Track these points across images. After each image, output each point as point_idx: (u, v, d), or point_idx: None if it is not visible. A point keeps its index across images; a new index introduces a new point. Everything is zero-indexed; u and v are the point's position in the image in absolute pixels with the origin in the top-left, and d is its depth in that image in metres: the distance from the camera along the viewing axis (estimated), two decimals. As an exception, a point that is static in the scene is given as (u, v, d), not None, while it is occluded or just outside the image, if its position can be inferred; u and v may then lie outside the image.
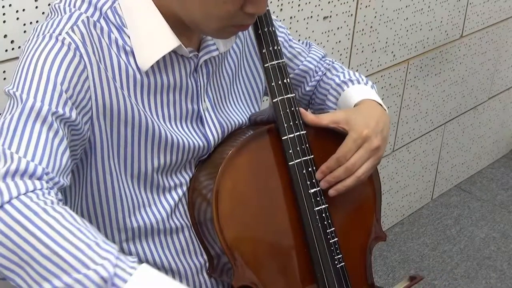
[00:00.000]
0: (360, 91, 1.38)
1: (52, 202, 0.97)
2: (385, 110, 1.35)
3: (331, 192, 1.25)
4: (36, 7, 1.45)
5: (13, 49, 1.44)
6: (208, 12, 1.11)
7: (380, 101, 1.37)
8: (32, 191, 0.96)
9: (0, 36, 1.42)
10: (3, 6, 1.40)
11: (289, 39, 1.45)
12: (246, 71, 1.35)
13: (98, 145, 1.15)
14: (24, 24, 1.44)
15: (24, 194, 0.96)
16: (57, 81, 1.06)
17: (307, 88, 1.48)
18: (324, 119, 1.28)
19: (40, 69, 1.06)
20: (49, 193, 0.98)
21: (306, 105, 1.51)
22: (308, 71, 1.46)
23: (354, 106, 1.35)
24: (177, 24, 1.15)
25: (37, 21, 1.45)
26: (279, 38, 1.39)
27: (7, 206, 0.94)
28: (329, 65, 1.48)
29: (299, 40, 1.51)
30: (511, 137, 3.52)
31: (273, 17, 1.40)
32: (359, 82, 1.40)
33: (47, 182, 1.00)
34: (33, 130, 1.02)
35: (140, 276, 0.95)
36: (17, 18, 1.43)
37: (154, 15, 1.14)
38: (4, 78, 1.45)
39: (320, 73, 1.47)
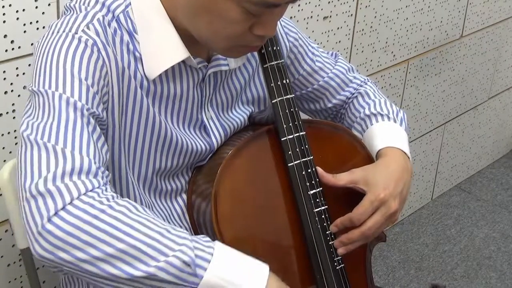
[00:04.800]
0: (386, 133, 1.35)
1: (113, 197, 0.99)
2: (409, 158, 1.33)
3: (341, 251, 1.25)
4: (36, 7, 1.45)
5: (13, 49, 1.44)
6: (216, 32, 1.09)
7: (406, 148, 1.33)
8: (91, 190, 0.97)
9: (0, 36, 1.42)
10: (3, 6, 1.39)
11: (312, 52, 1.40)
12: (260, 78, 1.33)
13: (110, 142, 1.14)
14: (24, 24, 1.44)
15: (84, 194, 0.97)
16: (82, 77, 1.05)
17: (329, 105, 1.44)
18: (342, 180, 1.25)
19: (62, 66, 1.05)
20: (106, 190, 0.99)
21: (325, 117, 1.48)
22: (328, 88, 1.43)
23: (376, 154, 1.32)
24: (188, 36, 1.14)
25: (37, 21, 1.45)
26: (299, 49, 1.38)
27: (69, 207, 0.95)
28: (360, 86, 1.44)
29: (328, 52, 1.46)
30: (511, 137, 3.52)
31: (297, 28, 1.37)
32: (389, 118, 1.37)
33: (102, 178, 1.00)
34: (75, 125, 1.02)
35: (220, 254, 0.99)
36: (17, 18, 1.43)
37: (166, 25, 1.13)
38: (4, 78, 1.45)
39: (347, 93, 1.44)
